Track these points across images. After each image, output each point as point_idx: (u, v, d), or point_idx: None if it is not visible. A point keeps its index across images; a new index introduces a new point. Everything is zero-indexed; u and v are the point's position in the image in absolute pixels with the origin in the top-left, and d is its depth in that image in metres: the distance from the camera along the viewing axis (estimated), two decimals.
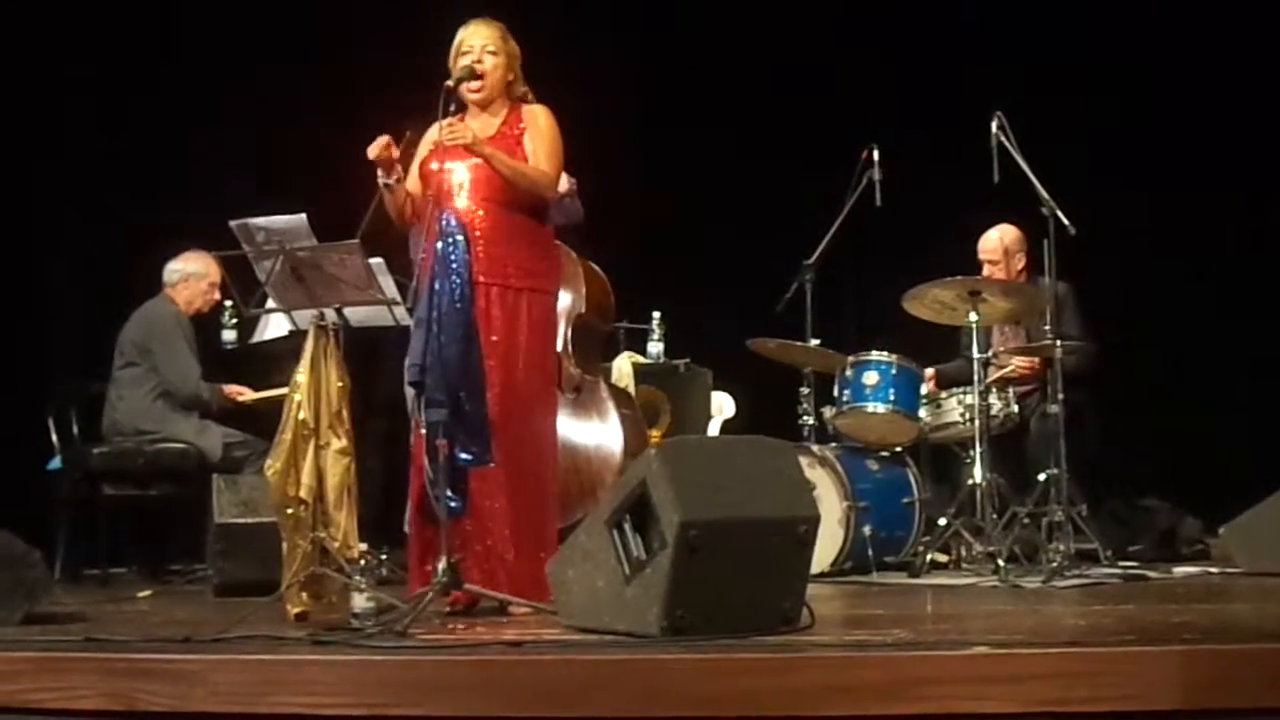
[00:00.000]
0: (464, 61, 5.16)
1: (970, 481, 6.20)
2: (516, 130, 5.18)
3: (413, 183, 5.17)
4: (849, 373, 6.64)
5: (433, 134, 5.10)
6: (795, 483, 4.53)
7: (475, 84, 5.16)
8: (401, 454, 6.22)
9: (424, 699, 3.67)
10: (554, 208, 5.33)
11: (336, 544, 4.82)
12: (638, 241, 7.97)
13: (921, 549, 6.36)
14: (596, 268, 6.52)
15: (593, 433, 6.28)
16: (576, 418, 6.20)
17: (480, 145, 5.03)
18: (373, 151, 5.01)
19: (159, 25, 8.07)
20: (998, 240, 6.92)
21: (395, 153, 5.03)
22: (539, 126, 5.18)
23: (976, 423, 6.23)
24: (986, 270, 6.86)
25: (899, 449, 6.81)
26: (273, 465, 4.85)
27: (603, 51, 8.21)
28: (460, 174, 5.09)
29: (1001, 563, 5.85)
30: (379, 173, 5.06)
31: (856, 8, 8.49)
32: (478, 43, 5.18)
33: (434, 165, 5.05)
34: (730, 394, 7.66)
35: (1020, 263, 6.92)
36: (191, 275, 6.92)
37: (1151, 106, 8.14)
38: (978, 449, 6.19)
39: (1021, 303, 6.51)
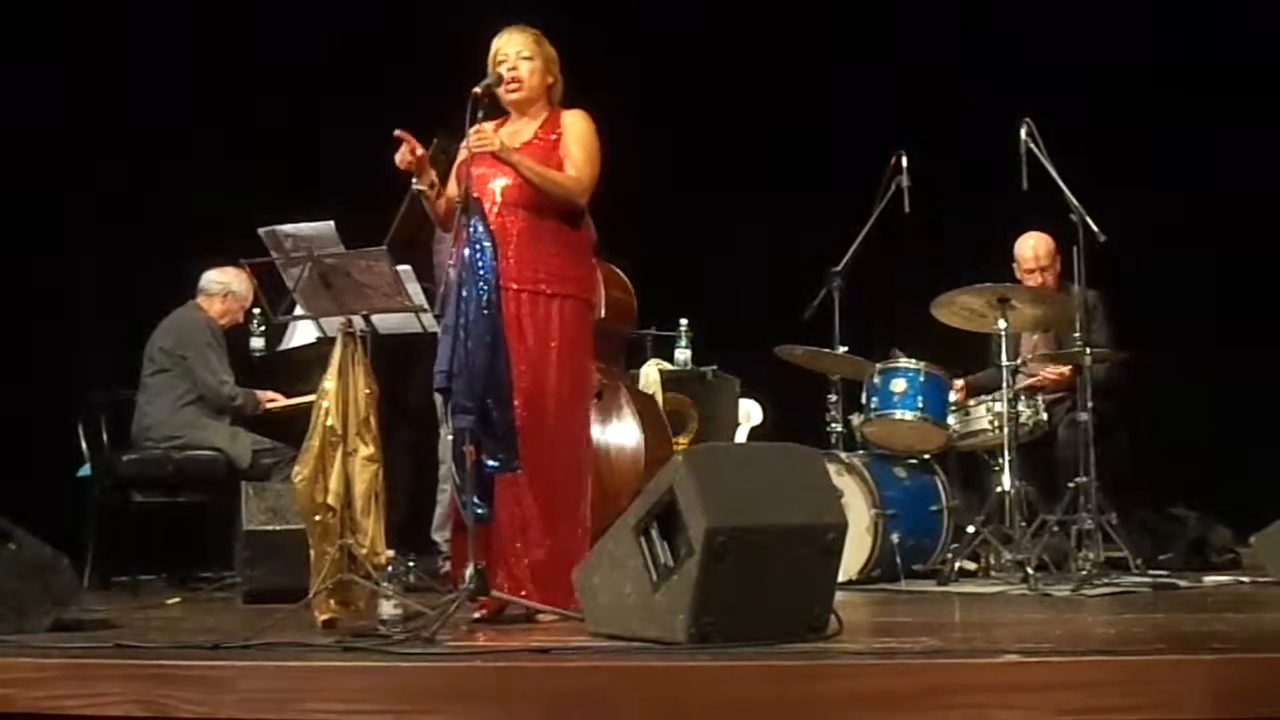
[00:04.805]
0: (500, 70, 5.16)
1: (999, 489, 6.18)
2: (554, 135, 5.18)
3: (452, 189, 5.17)
4: (877, 380, 6.62)
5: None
6: (823, 490, 4.52)
7: (512, 88, 5.16)
8: (430, 461, 6.26)
9: (451, 705, 3.67)
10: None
11: (364, 551, 4.83)
12: (665, 248, 7.97)
13: (950, 557, 6.33)
14: (617, 270, 6.51)
15: (613, 437, 6.29)
16: (598, 422, 6.21)
17: (507, 153, 5.04)
18: (400, 159, 5.02)
19: (189, 33, 8.09)
20: (1034, 251, 6.88)
21: (420, 151, 5.03)
22: (575, 131, 5.17)
23: (1005, 430, 6.21)
24: (1025, 281, 6.82)
25: (927, 456, 6.79)
26: (301, 472, 4.86)
27: (631, 55, 8.21)
28: (494, 180, 5.10)
29: (1030, 571, 5.83)
30: (413, 180, 5.07)
31: (887, 11, 8.47)
32: (512, 50, 5.19)
33: (469, 171, 5.05)
34: (758, 401, 7.66)
35: (1055, 271, 6.89)
36: (233, 293, 6.95)
37: (1182, 111, 8.11)
38: (1006, 456, 6.17)
39: (1051, 310, 6.49)
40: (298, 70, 8.07)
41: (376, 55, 8.06)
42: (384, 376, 5.08)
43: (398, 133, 5.00)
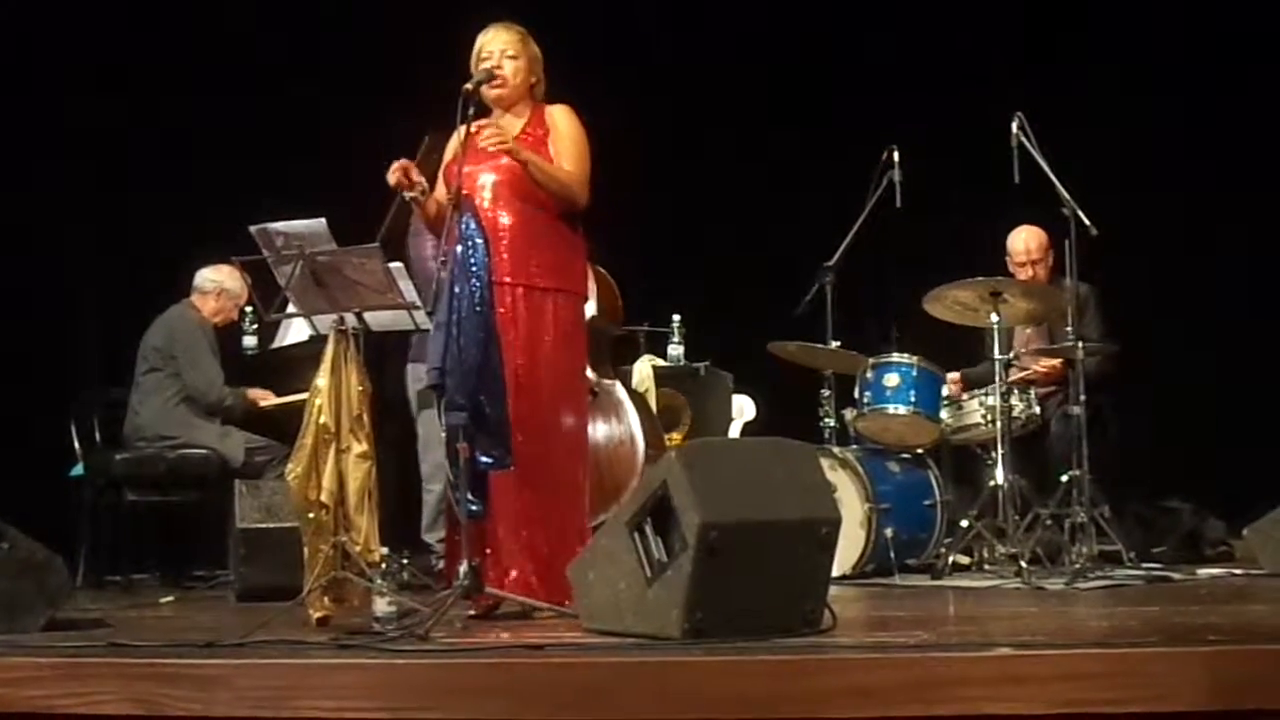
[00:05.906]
0: (484, 67, 5.16)
1: (992, 483, 6.19)
2: (541, 130, 5.18)
3: (440, 191, 5.16)
4: (870, 374, 6.63)
5: (457, 137, 5.09)
6: (816, 485, 4.53)
7: (495, 84, 5.15)
8: (411, 458, 6.27)
9: (445, 702, 3.67)
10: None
11: (358, 548, 4.83)
12: (658, 244, 7.96)
13: (943, 551, 6.34)
14: (604, 271, 6.52)
15: (609, 435, 6.28)
16: (593, 421, 6.20)
17: (519, 150, 5.03)
18: (392, 179, 5.01)
19: (188, 32, 8.08)
20: (1027, 244, 6.88)
21: (415, 175, 5.03)
22: (564, 128, 5.17)
23: (998, 424, 6.22)
24: (1016, 274, 6.82)
25: (920, 451, 6.80)
26: (294, 470, 4.86)
27: (623, 53, 8.20)
28: (485, 176, 5.10)
29: (1024, 564, 5.84)
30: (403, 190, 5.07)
31: (884, 8, 8.47)
32: (497, 47, 5.18)
33: (457, 169, 5.04)
34: (751, 396, 7.65)
35: (1047, 265, 6.90)
36: (225, 291, 6.94)
37: (1174, 105, 8.12)
38: (999, 450, 6.18)
39: (1043, 304, 6.49)
40: (297, 69, 8.06)
41: (376, 55, 8.04)
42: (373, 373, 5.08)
43: (403, 163, 4.99)
